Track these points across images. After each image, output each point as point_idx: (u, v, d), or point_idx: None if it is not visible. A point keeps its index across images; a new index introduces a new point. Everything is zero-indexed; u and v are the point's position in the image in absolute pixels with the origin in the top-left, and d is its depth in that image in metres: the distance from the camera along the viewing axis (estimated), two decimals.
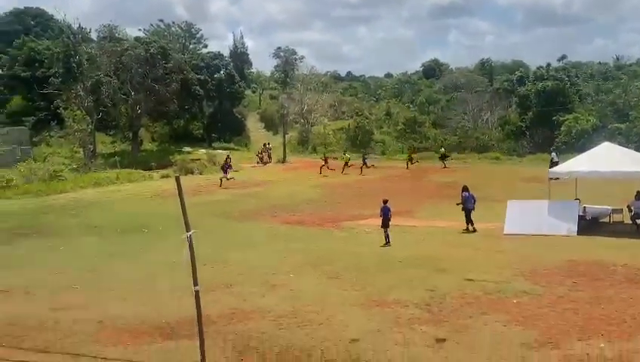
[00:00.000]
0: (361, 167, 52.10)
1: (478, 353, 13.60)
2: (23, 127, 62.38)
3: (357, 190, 41.20)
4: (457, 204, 27.77)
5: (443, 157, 56.09)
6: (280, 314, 16.62)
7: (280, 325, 15.83)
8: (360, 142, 71.99)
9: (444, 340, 14.43)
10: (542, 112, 67.17)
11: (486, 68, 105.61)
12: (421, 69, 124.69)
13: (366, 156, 56.25)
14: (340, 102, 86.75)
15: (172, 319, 16.53)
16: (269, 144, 68.47)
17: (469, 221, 27.18)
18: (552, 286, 18.57)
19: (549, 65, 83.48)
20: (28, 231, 30.61)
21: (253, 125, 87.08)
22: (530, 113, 69.16)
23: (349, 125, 75.60)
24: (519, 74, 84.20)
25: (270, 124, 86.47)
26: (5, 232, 30.58)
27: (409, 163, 56.07)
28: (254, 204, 37.45)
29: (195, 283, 8.73)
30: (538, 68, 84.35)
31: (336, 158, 60.18)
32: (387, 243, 25.10)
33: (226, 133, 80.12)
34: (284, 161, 64.12)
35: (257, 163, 62.70)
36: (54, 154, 58.96)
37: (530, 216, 27.03)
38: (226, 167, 47.49)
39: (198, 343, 10.13)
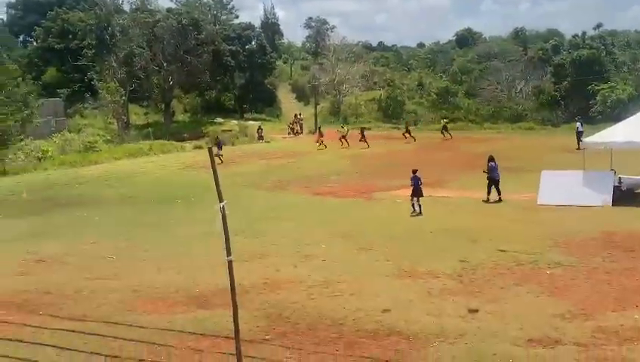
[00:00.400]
0: (360, 140, 50.38)
1: (511, 323, 13.55)
2: (57, 99, 63.01)
3: (388, 161, 41.02)
4: (484, 172, 27.51)
5: (444, 129, 55.15)
6: (312, 285, 16.71)
7: (312, 295, 15.93)
8: (392, 112, 71.53)
9: (476, 311, 14.40)
10: (577, 82, 65.94)
11: (520, 37, 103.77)
12: (454, 38, 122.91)
13: (365, 129, 54.47)
14: (372, 73, 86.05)
15: (206, 288, 16.74)
16: (300, 115, 68.37)
17: (490, 191, 26.96)
18: (586, 257, 18.39)
19: (584, 33, 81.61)
20: (64, 202, 31.08)
21: (285, 96, 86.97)
22: (565, 82, 67.96)
23: (380, 96, 75.11)
24: (554, 43, 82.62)
25: (301, 94, 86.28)
26: (42, 203, 31.10)
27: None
28: (286, 174, 37.53)
29: (228, 253, 8.78)
30: (573, 36, 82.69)
31: (369, 129, 59.96)
32: (419, 213, 25.07)
33: (258, 104, 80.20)
34: (315, 131, 64.01)
35: (289, 134, 62.72)
36: (88, 125, 59.58)
37: (564, 187, 26.69)
38: (219, 144, 45.12)
39: (231, 312, 10.23)
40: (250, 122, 66.98)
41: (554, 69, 71.11)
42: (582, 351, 12.18)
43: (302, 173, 37.62)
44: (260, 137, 57.98)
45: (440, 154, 44.49)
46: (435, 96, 74.41)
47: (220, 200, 8.68)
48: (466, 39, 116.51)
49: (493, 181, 26.98)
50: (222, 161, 40.81)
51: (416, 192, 25.43)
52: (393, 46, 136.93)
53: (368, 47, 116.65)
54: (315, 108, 68.68)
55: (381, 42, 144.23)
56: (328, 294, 15.91)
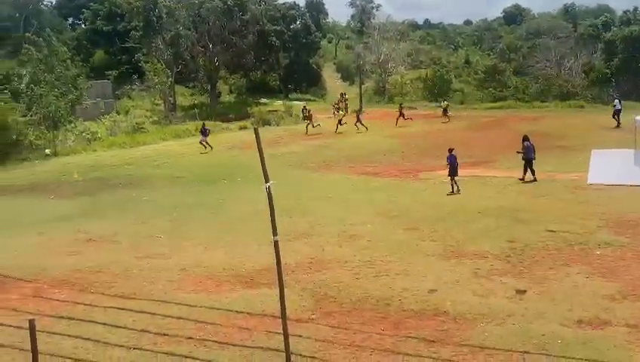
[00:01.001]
0: (356, 123, 48.29)
1: (559, 304, 13.41)
2: (105, 81, 63.91)
3: (434, 140, 40.66)
4: (518, 153, 27.09)
5: (445, 111, 53.66)
6: (357, 264, 16.73)
7: (357, 275, 15.95)
8: (438, 91, 70.85)
9: (524, 291, 14.28)
10: (628, 58, 64.35)
11: (570, 13, 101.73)
12: (502, 15, 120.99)
13: (360, 112, 52.17)
14: (418, 51, 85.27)
15: (252, 267, 16.90)
16: (345, 94, 68.16)
17: (526, 171, 26.54)
18: (636, 237, 18.03)
19: (636, 9, 79.60)
20: (113, 183, 31.60)
21: (330, 76, 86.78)
22: (617, 59, 66.39)
23: (426, 74, 74.36)
24: (604, 19, 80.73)
25: (346, 74, 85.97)
26: (92, 183, 31.67)
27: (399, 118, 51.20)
28: (331, 155, 37.50)
29: (275, 233, 8.84)
30: (624, 12, 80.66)
31: (415, 108, 59.52)
32: (456, 191, 25.09)
33: (303, 84, 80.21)
34: (360, 111, 63.71)
35: (334, 114, 62.53)
36: (136, 107, 60.33)
37: (615, 166, 26.19)
38: (205, 131, 42.60)
39: (277, 291, 10.31)
40: (295, 102, 66.99)
41: (605, 46, 69.52)
42: (632, 332, 12.00)
43: (347, 153, 37.54)
44: (305, 117, 57.81)
45: (488, 133, 43.93)
46: (482, 74, 73.39)
47: (267, 180, 8.71)
48: (514, 16, 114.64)
49: (528, 161, 26.55)
50: (209, 148, 40.85)
51: (453, 171, 25.34)
52: (439, 24, 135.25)
53: (414, 25, 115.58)
54: (360, 87, 68.34)
55: (427, 20, 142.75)
56: (374, 274, 15.92)
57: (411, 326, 12.70)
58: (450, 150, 25.95)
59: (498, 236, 18.68)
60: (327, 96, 77.50)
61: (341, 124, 47.67)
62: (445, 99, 59.51)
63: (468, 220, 20.80)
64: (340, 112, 49.86)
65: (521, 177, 26.61)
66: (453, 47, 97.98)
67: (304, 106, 59.78)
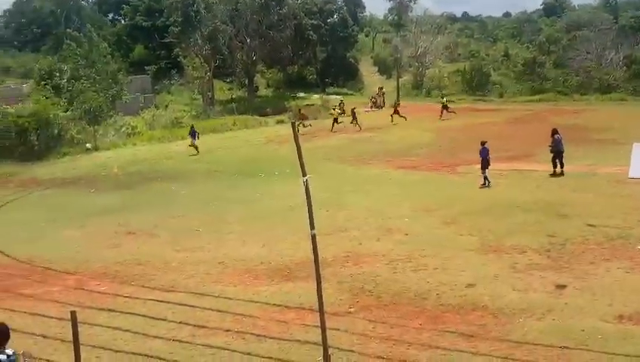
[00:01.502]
0: (352, 122, 46.85)
1: (600, 299, 13.22)
2: (145, 76, 64.65)
3: (473, 134, 40.30)
4: (549, 146, 26.73)
5: (445, 108, 51.89)
6: (394, 258, 16.68)
7: (394, 269, 15.91)
8: (476, 84, 70.17)
9: (564, 286, 14.10)
10: None
11: (610, 4, 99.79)
12: (542, 6, 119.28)
13: (355, 109, 49.35)
14: (456, 44, 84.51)
15: (289, 261, 16.96)
16: (382, 88, 67.93)
17: (556, 164, 26.15)
18: None
19: None
20: (152, 176, 31.97)
21: (367, 69, 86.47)
22: None
23: (464, 67, 73.65)
24: None
25: (383, 67, 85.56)
26: (131, 177, 32.09)
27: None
28: (368, 148, 37.41)
29: (312, 227, 8.85)
30: None
31: (453, 102, 59.00)
32: (487, 185, 24.96)
33: (340, 78, 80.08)
34: (398, 105, 63.41)
35: (371, 107, 62.40)
36: (175, 101, 60.89)
37: None
38: (194, 133, 39.96)
39: (314, 285, 10.33)
40: (332, 96, 66.96)
41: None
42: None
43: (384, 147, 37.42)
44: (342, 111, 57.88)
45: (527, 126, 43.40)
46: (521, 67, 72.44)
47: (304, 174, 8.72)
48: (554, 8, 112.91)
49: (558, 153, 26.17)
50: (198, 152, 38.66)
51: (485, 164, 25.21)
52: (477, 16, 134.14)
53: (452, 18, 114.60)
54: (398, 81, 68.05)
55: (465, 13, 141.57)
56: (411, 268, 15.87)
57: (449, 320, 12.63)
58: (483, 143, 25.85)
59: (537, 230, 18.46)
60: (364, 90, 77.25)
61: (337, 123, 46.41)
62: (444, 95, 57.69)
63: (507, 214, 20.59)
64: (336, 110, 48.01)
65: (553, 171, 26.27)
66: (491, 39, 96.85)
67: (341, 101, 59.78)
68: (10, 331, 7.85)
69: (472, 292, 14.02)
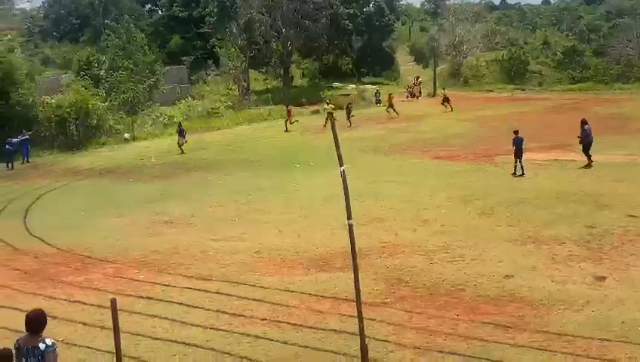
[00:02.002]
0: (388, 109, 46.98)
1: None
2: (181, 66, 65.08)
3: (511, 123, 39.86)
4: (577, 137, 26.32)
5: (446, 100, 50.79)
6: (431, 249, 16.60)
7: (431, 260, 15.83)
8: (514, 73, 69.35)
9: (603, 278, 13.90)
10: None
11: None
12: None
13: (351, 105, 47.16)
14: (494, 33, 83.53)
15: (325, 251, 16.97)
16: (418, 78, 67.51)
17: (589, 155, 25.77)
18: None
19: None
20: (189, 166, 32.22)
21: (403, 59, 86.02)
22: None
23: (502, 56, 72.82)
24: None
25: (420, 57, 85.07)
26: (169, 167, 32.38)
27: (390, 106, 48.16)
28: (404, 138, 37.24)
29: (349, 217, 8.82)
30: None
31: (491, 91, 58.41)
32: (521, 174, 24.88)
33: (375, 68, 79.72)
34: (434, 94, 63.04)
35: (407, 97, 62.08)
36: (211, 92, 61.19)
37: None
38: (181, 131, 37.78)
39: (350, 275, 10.31)
40: (368, 86, 66.75)
41: None
42: None
43: (421, 137, 37.20)
44: (378, 101, 57.79)
45: (567, 116, 42.72)
46: (560, 55, 71.41)
47: (341, 164, 8.69)
48: None
49: (588, 144, 25.76)
50: (182, 152, 36.44)
51: (519, 153, 25.12)
52: (516, 4, 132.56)
53: (490, 6, 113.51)
54: (435, 70, 67.49)
55: (503, 0, 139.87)
56: (448, 259, 15.77)
57: (487, 311, 12.53)
58: (516, 132, 25.79)
59: (577, 221, 18.21)
60: (400, 79, 76.83)
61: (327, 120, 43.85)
62: (444, 88, 56.65)
63: (545, 205, 20.35)
64: (330, 106, 44.96)
65: (587, 163, 25.87)
66: (530, 27, 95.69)
67: (377, 90, 59.59)
68: (47, 318, 7.90)
69: (510, 283, 13.89)
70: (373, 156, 31.93)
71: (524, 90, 64.63)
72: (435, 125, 41.85)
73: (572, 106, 48.18)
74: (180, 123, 40.46)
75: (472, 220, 19.24)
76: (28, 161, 37.08)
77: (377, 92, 59.63)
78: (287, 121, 44.26)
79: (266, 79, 72.58)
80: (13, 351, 7.83)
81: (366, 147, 34.04)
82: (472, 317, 12.26)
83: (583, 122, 26.37)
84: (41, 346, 7.55)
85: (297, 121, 44.81)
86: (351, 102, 49.23)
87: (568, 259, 15.26)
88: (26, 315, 7.83)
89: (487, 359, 10.55)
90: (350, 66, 79.10)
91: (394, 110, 47.05)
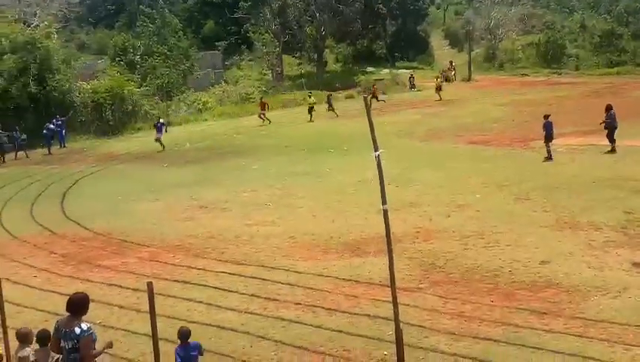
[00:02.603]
0: (329, 109, 43.46)
1: None
2: (215, 52, 65.29)
3: (548, 108, 39.31)
4: (601, 123, 25.88)
5: (439, 89, 49.21)
6: (466, 235, 16.49)
7: (466, 245, 15.73)
8: (551, 57, 68.33)
9: None
10: None
11: None
12: None
13: (331, 97, 45.35)
14: (530, 16, 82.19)
15: (359, 236, 16.97)
16: (453, 62, 66.91)
17: (613, 140, 25.42)
18: None
19: None
20: (223, 151, 32.39)
21: (437, 43, 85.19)
22: None
23: (539, 39, 71.79)
24: None
25: (455, 41, 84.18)
26: (203, 152, 32.60)
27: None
28: (439, 123, 36.97)
29: (384, 202, 8.79)
30: None
31: (527, 75, 57.64)
32: (549, 157, 24.80)
33: (410, 52, 79.11)
34: (469, 79, 62.44)
35: (442, 82, 61.58)
36: (244, 77, 61.39)
37: None
38: (159, 126, 34.74)
39: (384, 260, 10.29)
40: (402, 70, 66.35)
41: None
42: None
43: (455, 122, 36.89)
44: (412, 86, 57.45)
45: (604, 100, 41.83)
46: (598, 38, 70.13)
47: (376, 149, 8.65)
48: None
49: (613, 129, 25.45)
50: (163, 148, 33.81)
51: (548, 138, 25.02)
52: None
53: None
54: (469, 54, 66.78)
55: None
56: (483, 245, 15.66)
57: (522, 297, 12.43)
58: (546, 116, 25.57)
59: (614, 207, 17.93)
60: (434, 64, 76.17)
61: (310, 114, 42.46)
62: (438, 77, 54.93)
63: (582, 190, 20.07)
64: (312, 99, 43.54)
65: (611, 148, 25.44)
66: (567, 10, 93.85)
67: (411, 75, 59.20)
68: (89, 303, 8.01)
69: (546, 269, 13.75)
70: (407, 141, 31.77)
71: (560, 74, 63.71)
72: (469, 110, 41.47)
73: (610, 90, 47.36)
74: (159, 117, 38.25)
75: (507, 206, 19.06)
76: (64, 146, 37.66)
77: (412, 76, 59.23)
78: (260, 114, 41.51)
79: (300, 64, 72.48)
80: (52, 332, 7.99)
81: (400, 132, 33.87)
82: (507, 303, 12.18)
83: (608, 107, 26.08)
84: (77, 330, 7.61)
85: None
86: (331, 93, 47.21)
87: (605, 244, 15.05)
88: (70, 297, 7.94)
89: (522, 345, 10.47)
90: (384, 51, 78.63)
91: (439, 93, 47.03)
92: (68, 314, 7.82)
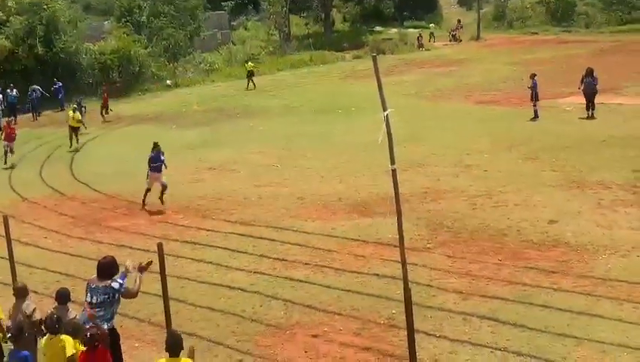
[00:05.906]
0: (248, 83, 40.61)
1: None
2: (222, 12, 64.59)
3: (557, 67, 38.97)
4: (579, 89, 25.51)
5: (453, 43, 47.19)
6: (474, 195, 16.50)
7: (474, 205, 15.75)
8: (561, 15, 67.44)
9: None
10: None
11: None
12: None
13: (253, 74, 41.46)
14: None
15: (367, 196, 17.01)
16: (460, 21, 66.17)
17: (590, 107, 25.04)
18: None
19: None
20: (231, 113, 32.30)
21: (446, 1, 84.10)
22: None
23: None
24: None
25: None
26: (211, 114, 32.51)
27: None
28: (447, 83, 36.68)
29: (392, 162, 8.77)
30: None
31: (537, 33, 56.94)
32: (535, 117, 25.08)
33: (418, 11, 78.13)
34: (477, 38, 61.77)
35: (450, 41, 60.98)
36: (251, 37, 60.84)
37: None
38: (80, 108, 29.29)
39: (392, 220, 10.30)
40: (410, 30, 65.65)
41: None
42: None
43: (464, 82, 36.60)
44: (420, 45, 56.91)
45: (616, 58, 41.57)
46: None
47: (384, 108, 8.60)
48: None
49: (589, 95, 25.09)
50: (85, 127, 28.20)
51: (535, 96, 25.21)
52: None
53: None
54: (478, 13, 65.91)
55: None
56: (491, 204, 15.67)
57: (530, 256, 12.48)
58: (532, 76, 25.79)
59: (623, 166, 17.87)
60: (442, 23, 75.25)
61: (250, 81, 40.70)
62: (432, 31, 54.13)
63: (591, 149, 19.99)
64: (250, 63, 41.86)
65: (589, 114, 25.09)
66: None
67: (419, 34, 58.61)
68: (117, 264, 8.62)
69: (555, 228, 13.77)
70: (415, 101, 31.57)
71: (570, 32, 62.92)
72: (479, 69, 41.11)
73: (620, 49, 46.83)
74: (80, 101, 31.75)
75: (515, 165, 19.03)
76: (63, 109, 37.35)
77: (420, 36, 58.66)
78: (102, 109, 33.98)
79: (307, 24, 71.68)
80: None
81: (408, 92, 33.62)
82: (515, 263, 12.22)
83: (589, 72, 25.48)
84: (115, 285, 8.37)
85: (112, 110, 34.41)
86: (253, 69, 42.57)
87: (614, 203, 15.04)
88: (98, 261, 8.63)
89: (530, 303, 10.55)
90: (392, 10, 77.73)
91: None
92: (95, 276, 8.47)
